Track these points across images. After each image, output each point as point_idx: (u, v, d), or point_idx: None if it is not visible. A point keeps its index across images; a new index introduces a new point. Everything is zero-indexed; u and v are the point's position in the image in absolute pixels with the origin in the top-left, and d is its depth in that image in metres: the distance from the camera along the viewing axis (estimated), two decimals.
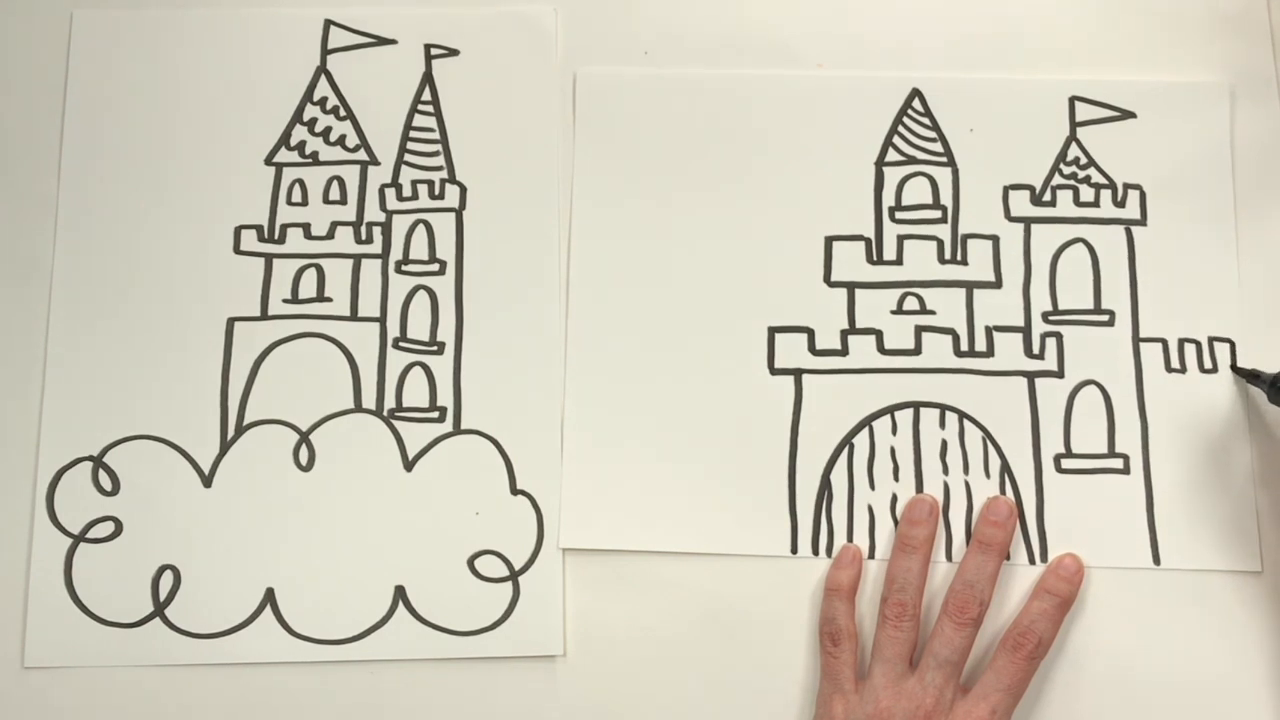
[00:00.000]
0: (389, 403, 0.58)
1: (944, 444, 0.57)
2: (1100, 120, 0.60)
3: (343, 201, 0.61)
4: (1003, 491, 0.57)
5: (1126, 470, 0.57)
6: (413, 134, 0.61)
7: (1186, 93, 0.60)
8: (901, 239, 0.59)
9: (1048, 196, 0.60)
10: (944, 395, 0.58)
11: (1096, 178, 0.60)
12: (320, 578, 0.57)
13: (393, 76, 0.62)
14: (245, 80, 0.62)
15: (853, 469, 0.57)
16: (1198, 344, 0.58)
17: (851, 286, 0.59)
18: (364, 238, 0.60)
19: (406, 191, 0.61)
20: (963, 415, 0.57)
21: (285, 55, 0.62)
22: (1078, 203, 0.59)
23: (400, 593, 0.56)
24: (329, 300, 0.59)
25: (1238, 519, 0.56)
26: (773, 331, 0.58)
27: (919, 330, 0.58)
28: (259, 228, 0.60)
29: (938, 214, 0.60)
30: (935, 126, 0.60)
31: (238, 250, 0.60)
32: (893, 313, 0.59)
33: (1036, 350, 0.58)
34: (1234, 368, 0.56)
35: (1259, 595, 0.55)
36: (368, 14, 0.62)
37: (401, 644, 0.56)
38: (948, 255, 0.59)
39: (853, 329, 0.58)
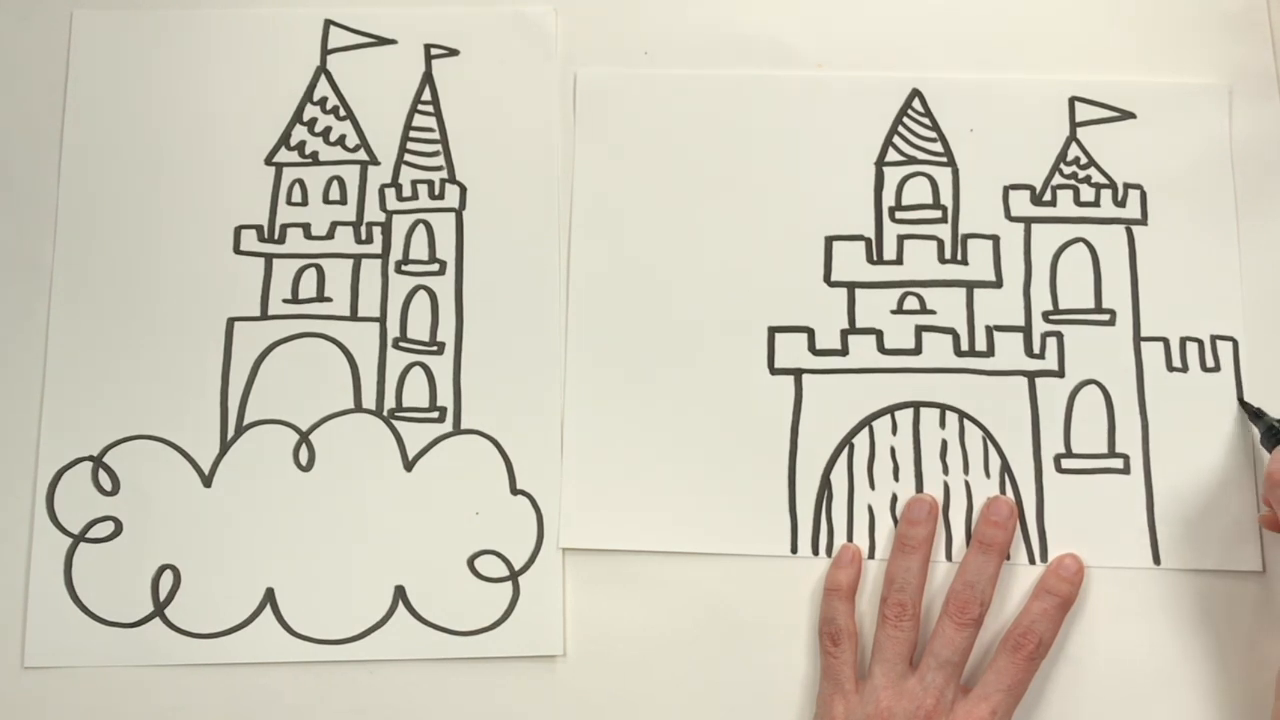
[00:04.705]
0: (389, 403, 0.58)
1: (944, 444, 0.57)
2: (1100, 120, 0.60)
3: (343, 201, 0.61)
4: (1003, 491, 0.57)
5: (1126, 470, 0.57)
6: (413, 134, 0.61)
7: (1186, 93, 0.60)
8: (901, 239, 0.59)
9: (1048, 196, 0.59)
10: (944, 395, 0.58)
11: (1097, 178, 0.60)
12: (320, 578, 0.57)
13: (393, 76, 0.62)
14: (245, 80, 0.62)
15: (853, 469, 0.57)
16: (1200, 343, 0.57)
17: (851, 286, 0.59)
18: (364, 238, 0.60)
19: (406, 191, 0.61)
20: (963, 415, 0.57)
21: (285, 55, 0.62)
22: (1078, 202, 0.59)
23: (400, 592, 0.56)
24: (329, 300, 0.59)
25: (1238, 519, 0.55)
26: (773, 331, 0.58)
27: (919, 330, 0.58)
28: (259, 228, 0.60)
29: (938, 214, 0.60)
30: (935, 126, 0.60)
31: (238, 250, 0.60)
32: (893, 312, 0.59)
33: (1037, 350, 0.58)
34: (1241, 400, 0.56)
35: (1259, 595, 0.55)
36: (368, 14, 0.62)
37: (401, 644, 0.56)
38: (948, 255, 0.59)
39: (853, 329, 0.58)
